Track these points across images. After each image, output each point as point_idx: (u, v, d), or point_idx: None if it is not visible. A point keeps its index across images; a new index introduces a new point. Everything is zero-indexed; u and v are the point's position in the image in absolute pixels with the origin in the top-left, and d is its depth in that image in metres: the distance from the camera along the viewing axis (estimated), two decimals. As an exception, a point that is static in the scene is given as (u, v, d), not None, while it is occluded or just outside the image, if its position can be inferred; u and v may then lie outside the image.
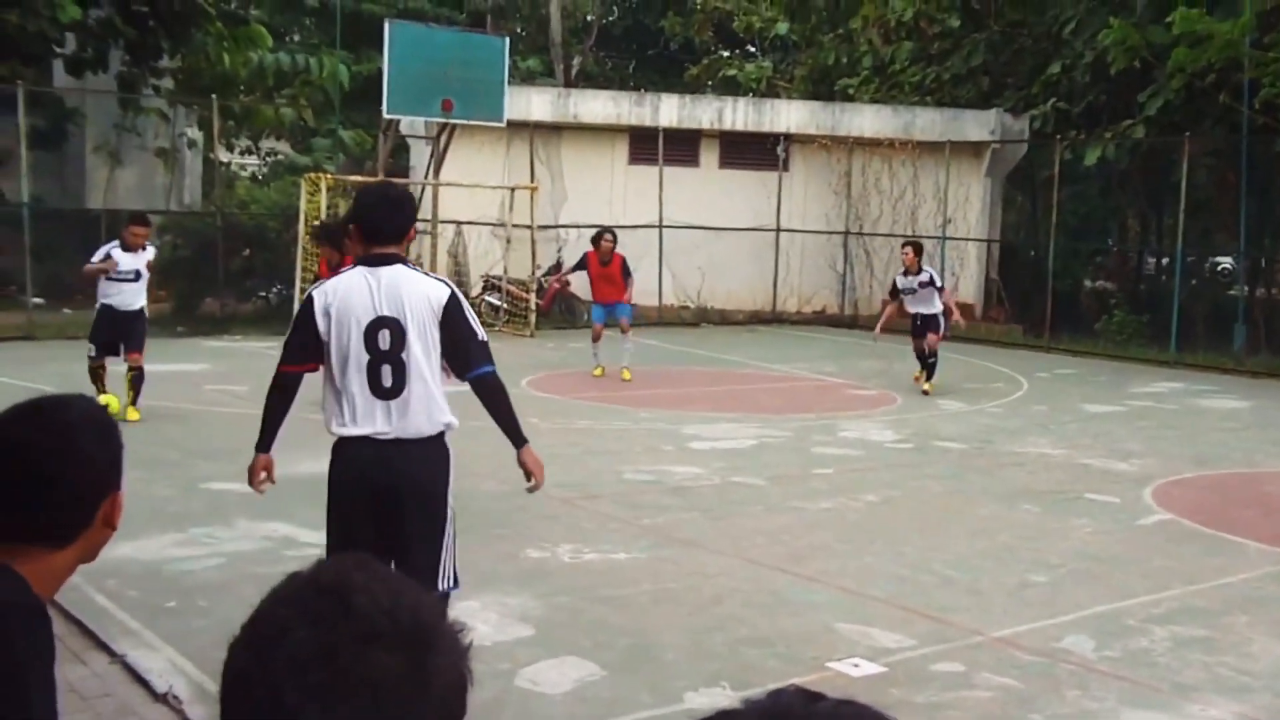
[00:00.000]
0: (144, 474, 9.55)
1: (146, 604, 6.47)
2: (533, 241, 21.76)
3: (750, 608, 6.77)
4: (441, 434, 4.95)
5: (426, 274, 5.07)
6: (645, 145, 25.46)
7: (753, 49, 41.32)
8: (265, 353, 14.18)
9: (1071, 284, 26.88)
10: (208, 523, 8.15)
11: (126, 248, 12.23)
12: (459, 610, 6.25)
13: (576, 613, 6.59)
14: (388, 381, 4.81)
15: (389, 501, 4.87)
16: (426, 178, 23.00)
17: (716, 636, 6.29)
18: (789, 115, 26.46)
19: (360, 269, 4.91)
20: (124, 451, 2.10)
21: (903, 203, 25.86)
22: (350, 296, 4.83)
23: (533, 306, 21.49)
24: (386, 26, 20.54)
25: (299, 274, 19.98)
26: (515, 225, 22.16)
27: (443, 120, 21.35)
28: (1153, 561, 8.14)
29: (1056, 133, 24.13)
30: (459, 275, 23.61)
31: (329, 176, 20.56)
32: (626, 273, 16.17)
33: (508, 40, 22.72)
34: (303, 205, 19.95)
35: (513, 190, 22.32)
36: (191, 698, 5.37)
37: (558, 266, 23.09)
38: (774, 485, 10.04)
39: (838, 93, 30.23)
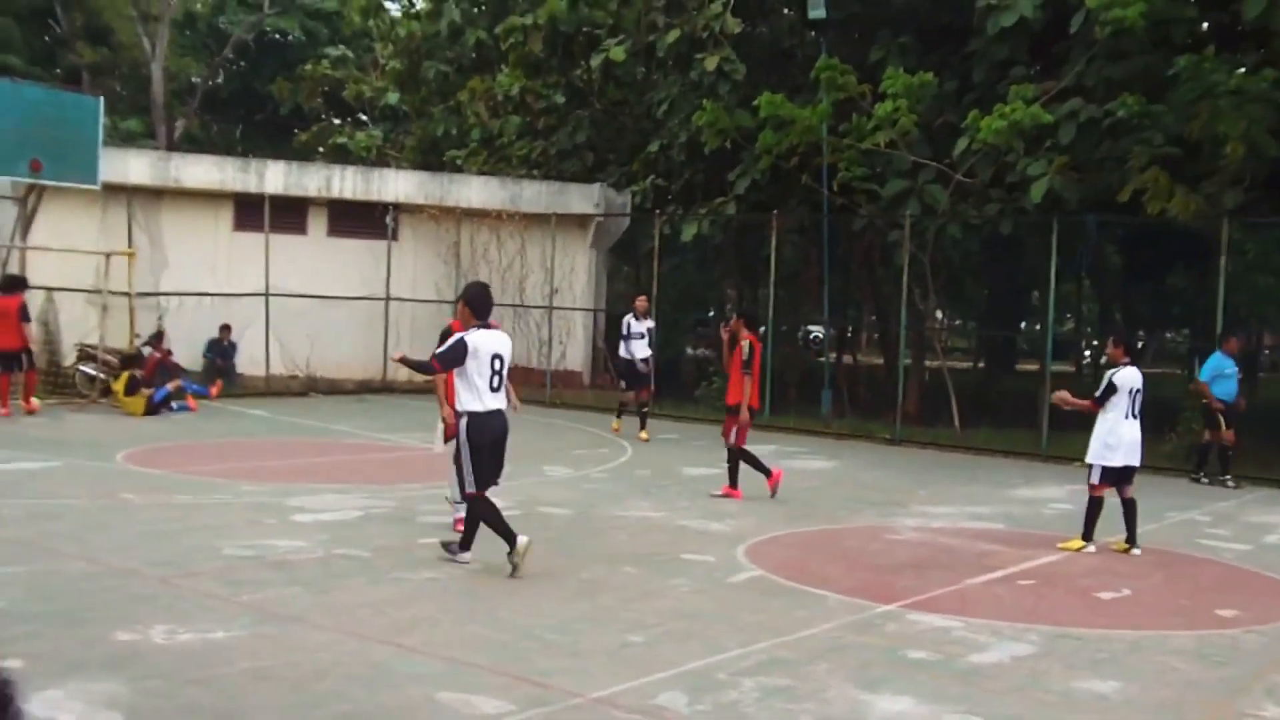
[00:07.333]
0: None
1: None
2: (131, 309, 20.86)
3: (352, 682, 6.70)
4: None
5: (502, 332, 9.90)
6: (251, 212, 24.98)
7: (364, 117, 41.25)
8: None
9: (674, 353, 28.01)
10: None
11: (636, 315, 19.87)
12: (42, 701, 5.93)
13: (168, 696, 6.34)
14: (495, 385, 9.53)
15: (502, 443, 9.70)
16: (13, 240, 21.72)
17: (315, 713, 6.19)
18: (397, 185, 26.56)
19: (484, 330, 9.62)
20: None
21: (511, 272, 26.33)
22: (485, 340, 9.48)
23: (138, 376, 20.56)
24: (-32, 81, 19.35)
25: None
26: (112, 292, 21.20)
27: (31, 181, 20.28)
28: (743, 617, 8.56)
29: (656, 208, 25.17)
30: (50, 344, 22.35)
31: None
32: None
33: (103, 100, 21.86)
34: None
35: (109, 256, 21.36)
36: None
37: (159, 335, 22.22)
38: (378, 556, 9.97)
39: (447, 163, 30.57)
